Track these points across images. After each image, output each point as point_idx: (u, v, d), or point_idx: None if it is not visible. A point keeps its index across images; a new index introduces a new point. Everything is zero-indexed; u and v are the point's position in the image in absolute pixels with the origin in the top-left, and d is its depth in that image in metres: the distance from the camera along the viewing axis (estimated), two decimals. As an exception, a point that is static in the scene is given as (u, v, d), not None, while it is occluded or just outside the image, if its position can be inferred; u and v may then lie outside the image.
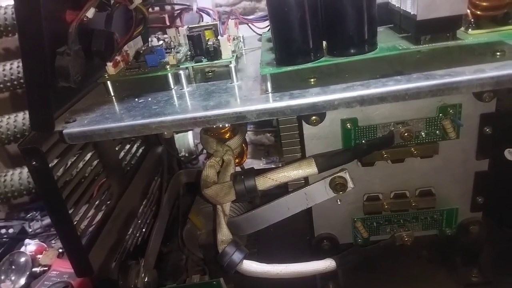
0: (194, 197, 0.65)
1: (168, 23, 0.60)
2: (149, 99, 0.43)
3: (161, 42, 0.57)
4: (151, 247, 0.58)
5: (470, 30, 0.39)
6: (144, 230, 0.65)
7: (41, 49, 0.37)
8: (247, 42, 0.58)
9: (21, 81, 0.92)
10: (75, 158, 0.50)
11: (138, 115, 0.39)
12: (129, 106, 0.42)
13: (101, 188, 0.55)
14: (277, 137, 0.57)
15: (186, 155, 0.98)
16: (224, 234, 0.45)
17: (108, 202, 0.56)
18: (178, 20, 0.58)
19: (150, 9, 0.60)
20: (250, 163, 1.10)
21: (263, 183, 0.43)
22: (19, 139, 0.93)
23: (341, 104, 0.36)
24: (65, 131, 0.38)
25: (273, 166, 1.06)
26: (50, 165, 0.40)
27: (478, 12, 0.38)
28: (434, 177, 0.47)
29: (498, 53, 0.37)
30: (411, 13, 0.37)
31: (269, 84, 0.39)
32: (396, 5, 0.41)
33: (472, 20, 0.38)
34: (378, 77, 0.37)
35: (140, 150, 0.71)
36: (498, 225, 0.50)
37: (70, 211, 0.43)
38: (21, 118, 0.92)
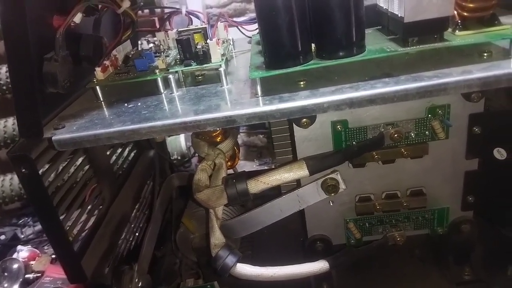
0: (187, 200, 0.64)
1: (157, 26, 0.60)
2: (139, 104, 0.43)
3: (151, 45, 0.57)
4: (144, 252, 0.58)
5: (457, 31, 0.39)
6: (137, 234, 0.65)
7: (27, 55, 0.36)
8: (237, 45, 0.58)
9: (10, 86, 0.91)
10: (65, 163, 0.50)
11: (128, 120, 0.39)
12: (119, 111, 0.42)
13: (92, 193, 0.55)
14: (270, 138, 0.58)
15: (179, 158, 0.98)
16: (217, 238, 0.45)
17: (100, 207, 0.56)
18: (167, 23, 0.58)
19: (139, 12, 0.60)
20: (243, 164, 1.10)
21: (255, 186, 0.43)
22: (10, 145, 0.92)
23: (331, 107, 0.36)
24: (54, 138, 0.38)
25: (266, 167, 1.06)
26: (40, 171, 0.39)
27: (465, 14, 0.38)
28: (425, 177, 0.47)
29: (485, 54, 0.37)
30: (399, 15, 0.37)
31: (258, 88, 0.39)
32: (384, 7, 0.42)
33: (459, 21, 0.39)
34: (367, 79, 0.37)
35: (132, 154, 0.70)
36: (489, 224, 0.50)
37: (62, 217, 0.43)
38: (11, 124, 0.91)
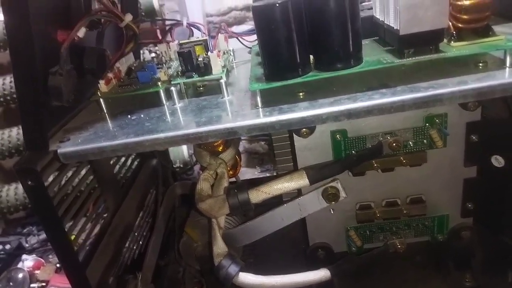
0: (190, 208, 0.65)
1: (160, 37, 0.61)
2: (142, 115, 0.44)
3: (153, 54, 0.58)
4: (148, 261, 0.59)
5: (452, 42, 0.39)
6: (141, 243, 0.65)
7: (33, 69, 0.37)
8: (237, 54, 0.59)
9: (14, 96, 0.92)
10: (70, 174, 0.51)
11: (131, 132, 0.39)
12: (122, 124, 0.42)
13: (97, 202, 0.55)
14: (271, 145, 0.58)
15: (181, 166, 0.99)
16: (219, 247, 0.45)
17: (105, 216, 0.57)
18: (169, 35, 0.59)
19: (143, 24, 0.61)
20: (244, 171, 1.10)
21: (256, 196, 0.43)
22: (14, 154, 0.93)
23: (329, 118, 0.36)
24: (59, 150, 0.38)
25: (267, 174, 1.07)
26: (45, 183, 0.40)
27: (459, 25, 0.39)
28: (424, 184, 0.48)
29: (480, 64, 0.38)
30: (394, 28, 0.38)
31: (258, 99, 0.40)
32: (380, 19, 0.42)
33: (454, 32, 0.39)
34: (365, 90, 0.38)
35: (135, 163, 0.71)
36: (489, 230, 0.51)
37: (67, 227, 0.44)
38: (15, 133, 0.92)
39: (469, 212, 0.50)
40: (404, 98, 0.36)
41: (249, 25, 1.09)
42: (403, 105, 0.36)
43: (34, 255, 0.84)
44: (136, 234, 0.64)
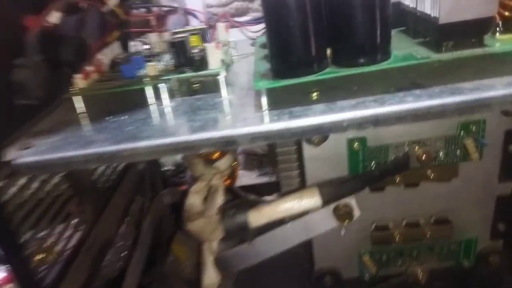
0: (180, 220, 0.58)
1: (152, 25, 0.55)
2: (124, 117, 0.37)
3: (146, 46, 0.52)
4: (128, 281, 0.52)
5: (497, 34, 0.33)
6: (122, 258, 0.58)
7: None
8: (238, 47, 0.52)
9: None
10: (40, 181, 0.43)
11: (109, 138, 0.32)
12: (99, 127, 0.35)
13: (71, 215, 0.48)
14: (271, 147, 0.52)
15: (173, 168, 0.92)
16: (209, 277, 0.39)
17: (81, 228, 0.49)
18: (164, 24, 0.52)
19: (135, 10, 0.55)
20: (241, 174, 1.03)
21: (257, 219, 0.37)
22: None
23: (352, 126, 0.29)
24: (14, 162, 0.31)
25: (267, 178, 1.00)
26: (2, 198, 0.33)
27: (507, 13, 0.33)
28: (452, 202, 0.42)
29: (532, 62, 0.32)
30: (431, 16, 0.32)
31: (264, 100, 0.33)
32: (410, 6, 0.36)
33: (500, 22, 0.33)
34: (394, 90, 0.31)
35: (120, 167, 0.64)
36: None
37: (33, 246, 0.37)
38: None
39: (499, 234, 0.44)
40: (444, 102, 0.29)
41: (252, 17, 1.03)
42: (444, 111, 0.29)
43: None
44: (116, 248, 0.57)
